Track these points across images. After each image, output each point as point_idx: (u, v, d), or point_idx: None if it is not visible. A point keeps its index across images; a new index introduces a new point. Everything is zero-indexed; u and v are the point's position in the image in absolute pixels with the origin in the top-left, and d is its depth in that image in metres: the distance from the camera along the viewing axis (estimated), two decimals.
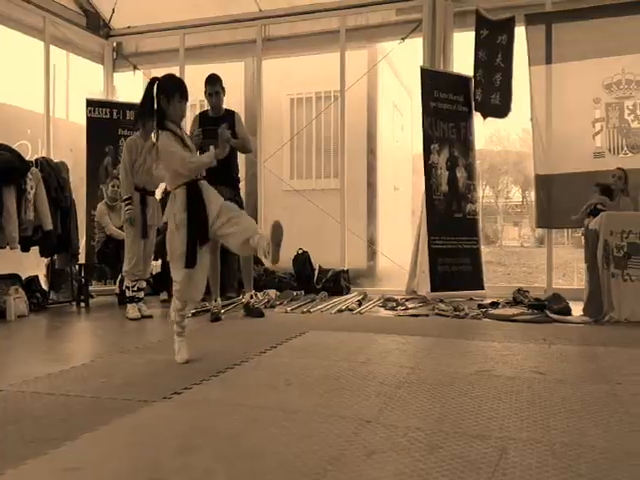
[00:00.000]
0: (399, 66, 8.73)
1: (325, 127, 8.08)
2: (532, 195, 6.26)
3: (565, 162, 6.27)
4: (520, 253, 16.14)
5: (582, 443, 2.01)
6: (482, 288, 6.17)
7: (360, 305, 5.48)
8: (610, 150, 6.21)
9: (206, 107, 5.11)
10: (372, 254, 7.79)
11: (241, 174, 7.79)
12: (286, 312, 5.16)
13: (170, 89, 3.11)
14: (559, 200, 6.20)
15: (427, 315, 5.00)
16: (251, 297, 4.86)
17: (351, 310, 5.20)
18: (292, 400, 2.50)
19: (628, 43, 6.23)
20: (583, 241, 5.11)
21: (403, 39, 7.21)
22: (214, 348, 3.66)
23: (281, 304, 5.54)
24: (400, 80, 9.15)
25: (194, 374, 2.92)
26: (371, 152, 7.95)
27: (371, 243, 7.78)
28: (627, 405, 2.44)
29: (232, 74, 8.53)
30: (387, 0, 7.29)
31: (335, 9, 7.41)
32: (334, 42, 7.44)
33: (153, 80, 3.16)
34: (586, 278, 4.86)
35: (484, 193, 33.15)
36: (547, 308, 4.91)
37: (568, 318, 4.68)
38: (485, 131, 31.90)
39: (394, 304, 5.46)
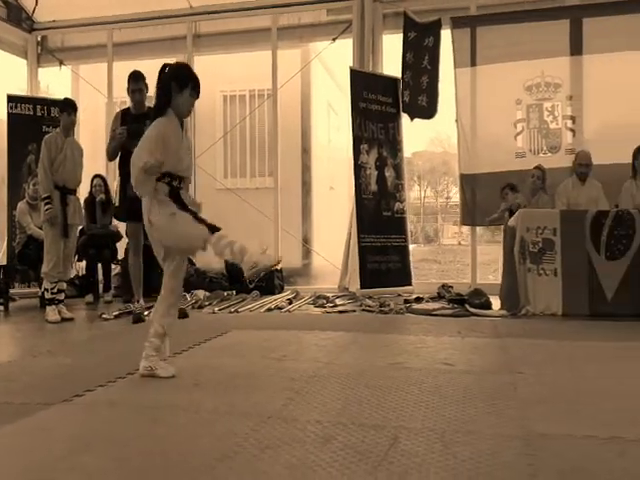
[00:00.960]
0: (333, 66, 8.80)
1: (259, 125, 8.06)
2: None
3: (488, 162, 6.49)
4: (457, 251, 16.61)
5: (472, 430, 2.09)
6: (410, 284, 6.31)
7: (290, 303, 5.48)
8: (531, 150, 6.48)
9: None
10: (307, 252, 7.82)
11: None
12: (214, 312, 5.10)
13: (185, 78, 2.82)
14: (483, 199, 6.41)
15: (354, 311, 5.07)
16: None
17: (280, 309, 5.20)
18: (196, 400, 2.47)
19: (547, 47, 6.52)
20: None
21: (334, 39, 7.28)
22: (128, 350, 3.56)
23: (210, 305, 5.47)
24: (335, 80, 9.23)
25: (101, 376, 2.84)
26: (304, 151, 7.98)
27: (306, 242, 7.81)
28: (524, 393, 2.54)
29: None
30: (318, 0, 7.34)
31: (266, 7, 7.41)
32: (266, 40, 7.44)
33: (164, 66, 2.88)
34: (503, 273, 5.04)
35: (425, 193, 34.06)
36: (467, 302, 5.06)
37: (487, 312, 4.85)
38: (427, 133, 32.76)
39: (324, 301, 5.51)
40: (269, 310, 5.14)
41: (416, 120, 6.87)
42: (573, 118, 6.41)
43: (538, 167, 5.84)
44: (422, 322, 4.41)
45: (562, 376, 2.82)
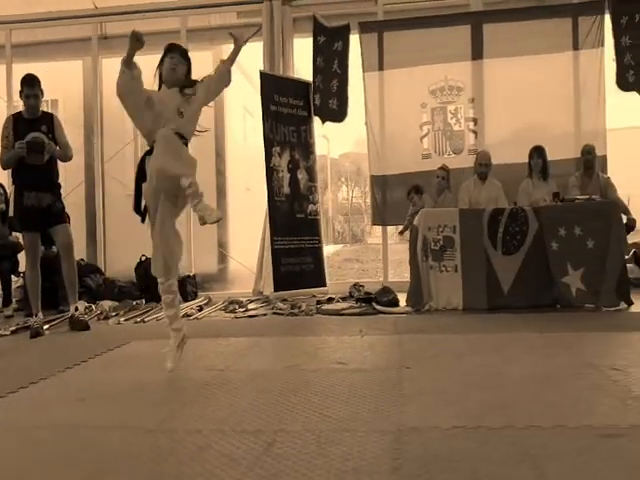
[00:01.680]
0: (248, 69, 8.76)
1: None
2: None
3: (397, 163, 6.67)
4: (381, 250, 16.93)
5: (349, 428, 2.13)
6: (324, 285, 6.37)
7: (201, 310, 5.40)
8: (436, 152, 6.71)
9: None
10: (223, 257, 7.74)
11: (80, 179, 7.46)
12: (119, 323, 4.94)
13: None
14: (392, 199, 6.59)
15: (265, 315, 5.06)
16: (76, 309, 4.59)
17: (189, 316, 5.10)
18: (77, 416, 2.40)
19: (450, 52, 6.76)
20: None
21: (245, 42, 7.22)
22: (18, 366, 3.42)
23: (117, 315, 5.29)
24: (251, 82, 9.19)
25: None
26: (218, 154, 7.89)
27: (221, 246, 7.73)
28: (407, 388, 2.62)
29: (70, 72, 8.09)
30: (228, 3, 7.30)
31: (175, 9, 7.29)
32: (176, 42, 7.30)
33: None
34: (410, 271, 5.18)
35: (353, 194, 34.57)
36: (376, 300, 5.18)
37: (393, 309, 4.98)
38: (353, 135, 33.21)
39: (236, 306, 5.46)
40: None
41: (341, 122, 6.94)
42: (475, 120, 6.70)
43: (443, 167, 6.06)
44: (328, 323, 4.46)
45: (447, 369, 2.93)
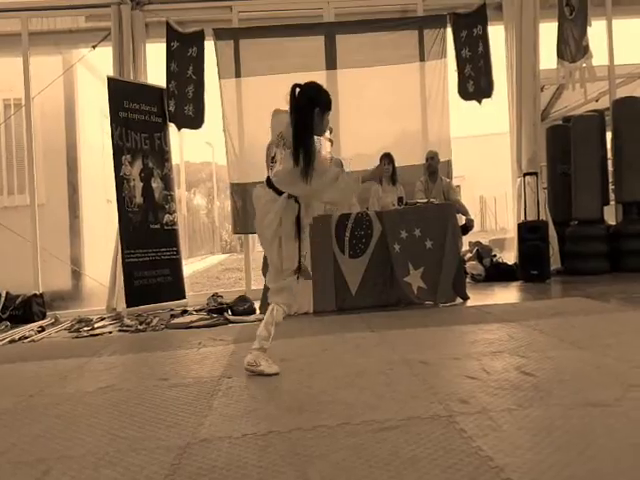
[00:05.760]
0: (103, 72, 8.38)
1: (17, 138, 7.34)
2: None
3: (256, 171, 6.60)
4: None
5: (137, 447, 2.06)
6: (184, 297, 6.20)
7: (42, 331, 5.03)
8: None
9: None
10: (78, 273, 7.30)
11: None
12: None
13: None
14: (253, 207, 6.50)
15: (110, 333, 4.81)
16: None
17: (25, 338, 4.73)
18: None
19: (305, 61, 6.88)
20: None
21: (94, 47, 6.92)
22: None
23: None
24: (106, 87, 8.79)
25: None
26: (70, 164, 7.44)
27: (75, 262, 7.29)
28: (217, 400, 2.57)
29: None
30: (74, 6, 6.94)
31: (15, 10, 6.80)
32: (18, 45, 6.84)
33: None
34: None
35: None
36: (231, 310, 5.12)
37: (246, 318, 4.94)
38: None
39: (83, 325, 5.15)
40: (13, 342, 4.65)
41: (198, 129, 6.80)
42: (330, 129, 6.83)
43: None
44: (172, 337, 4.31)
45: (265, 378, 2.89)
